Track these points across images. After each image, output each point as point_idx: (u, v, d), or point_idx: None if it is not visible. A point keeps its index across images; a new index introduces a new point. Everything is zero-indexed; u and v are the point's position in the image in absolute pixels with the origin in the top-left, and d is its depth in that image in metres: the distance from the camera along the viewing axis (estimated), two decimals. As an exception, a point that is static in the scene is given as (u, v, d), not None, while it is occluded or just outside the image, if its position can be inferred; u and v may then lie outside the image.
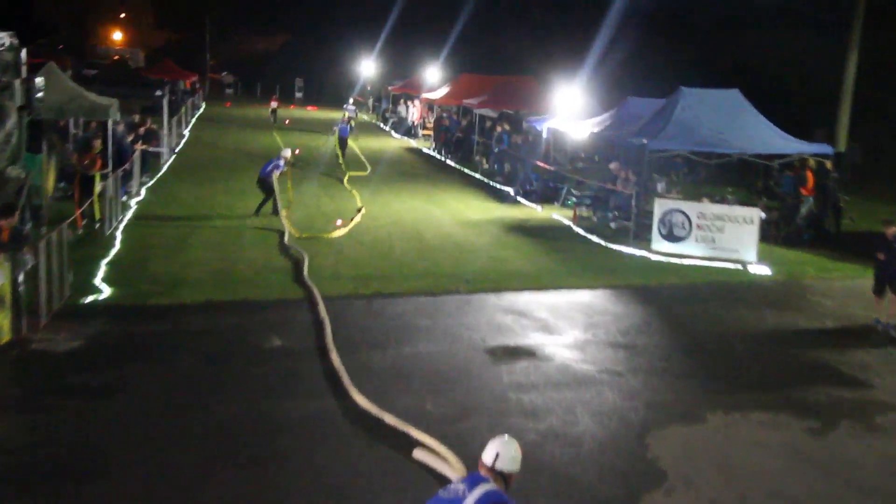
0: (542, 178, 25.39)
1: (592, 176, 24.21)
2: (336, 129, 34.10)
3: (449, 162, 33.41)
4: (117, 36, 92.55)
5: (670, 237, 17.85)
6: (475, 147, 33.74)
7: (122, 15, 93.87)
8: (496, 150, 29.73)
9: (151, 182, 23.60)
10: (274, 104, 50.28)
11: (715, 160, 19.68)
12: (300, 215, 20.20)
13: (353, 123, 35.60)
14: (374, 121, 53.98)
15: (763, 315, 13.79)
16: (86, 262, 14.23)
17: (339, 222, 19.43)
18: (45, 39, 77.43)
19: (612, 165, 22.36)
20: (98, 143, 17.99)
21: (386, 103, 53.29)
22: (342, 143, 32.23)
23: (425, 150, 37.41)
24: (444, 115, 38.52)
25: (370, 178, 27.24)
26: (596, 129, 22.31)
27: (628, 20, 46.37)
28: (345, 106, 51.33)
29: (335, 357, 10.19)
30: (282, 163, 20.09)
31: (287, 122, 48.03)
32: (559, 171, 25.65)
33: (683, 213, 17.77)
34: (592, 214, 22.04)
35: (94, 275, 13.67)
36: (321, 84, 74.26)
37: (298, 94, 71.07)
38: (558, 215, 22.27)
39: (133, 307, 12.29)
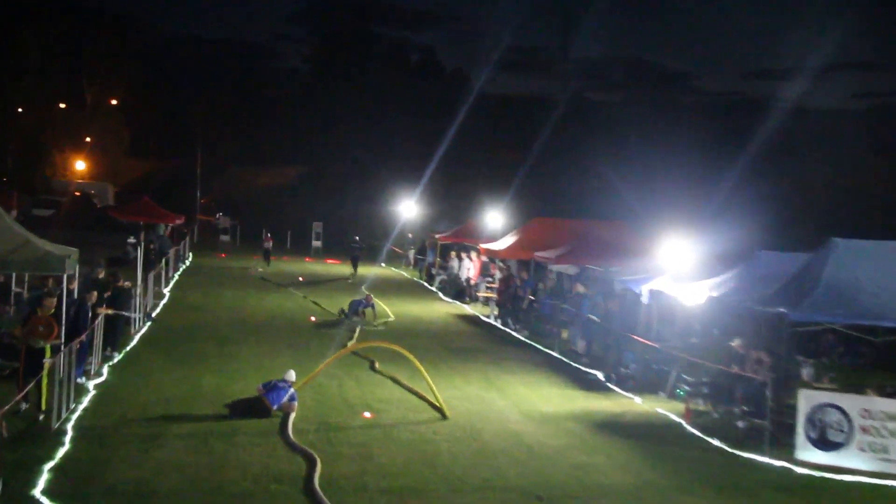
0: (642, 359, 25.30)
1: (711, 356, 23.98)
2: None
3: (516, 335, 33.46)
4: (80, 166, 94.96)
5: (822, 443, 17.48)
6: (552, 315, 33.79)
7: (88, 139, 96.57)
8: (579, 319, 29.78)
9: (118, 358, 23.95)
10: (268, 244, 52.56)
11: (882, 337, 19.46)
12: (312, 401, 20.28)
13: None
14: (416, 278, 54.58)
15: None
16: (23, 465, 14.31)
17: (367, 414, 19.44)
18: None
19: (737, 342, 22.19)
20: (52, 303, 18.39)
21: (432, 256, 53.93)
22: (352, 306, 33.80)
23: (484, 319, 37.57)
24: (513, 272, 38.78)
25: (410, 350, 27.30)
26: (715, 293, 22.28)
27: (760, 150, 47.23)
28: (351, 244, 52.70)
29: None
30: (293, 391, 19.65)
31: (301, 278, 48.87)
32: (665, 350, 25.48)
33: (840, 409, 17.46)
34: (712, 409, 21.76)
35: (32, 484, 13.72)
36: (346, 231, 75.99)
37: (316, 243, 72.52)
38: (665, 409, 22.06)
39: (84, 528, 12.25)
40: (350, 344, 28.15)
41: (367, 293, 35.64)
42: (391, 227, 68.89)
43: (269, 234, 55.91)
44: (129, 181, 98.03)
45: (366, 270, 51.77)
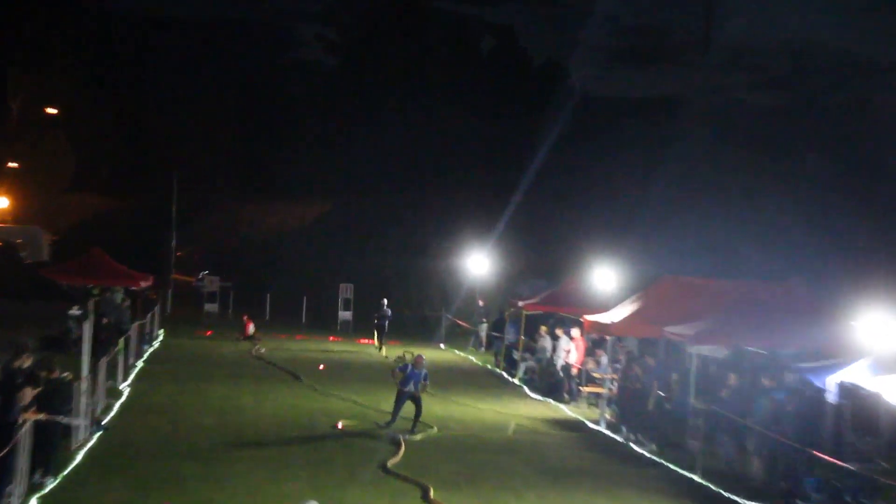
0: (828, 486, 24.99)
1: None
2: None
3: (638, 449, 33.12)
4: (1, 203, 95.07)
5: None
6: (692, 420, 33.42)
7: (12, 164, 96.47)
8: (734, 426, 29.43)
9: (53, 485, 23.93)
10: (251, 328, 56.19)
11: None
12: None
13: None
14: (490, 365, 54.47)
15: None
16: None
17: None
18: None
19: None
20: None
21: (514, 333, 53.71)
22: (415, 401, 33.68)
23: (591, 425, 37.28)
24: (636, 359, 38.26)
25: (473, 474, 27.09)
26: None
27: None
28: (379, 311, 53.24)
29: None
30: None
31: (321, 366, 49.01)
32: (864, 473, 25.06)
33: None
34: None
35: None
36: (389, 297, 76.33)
37: (345, 315, 72.74)
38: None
39: None
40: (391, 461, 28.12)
41: (416, 354, 35.53)
42: (454, 290, 68.90)
43: (248, 317, 57.19)
44: (73, 225, 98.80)
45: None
